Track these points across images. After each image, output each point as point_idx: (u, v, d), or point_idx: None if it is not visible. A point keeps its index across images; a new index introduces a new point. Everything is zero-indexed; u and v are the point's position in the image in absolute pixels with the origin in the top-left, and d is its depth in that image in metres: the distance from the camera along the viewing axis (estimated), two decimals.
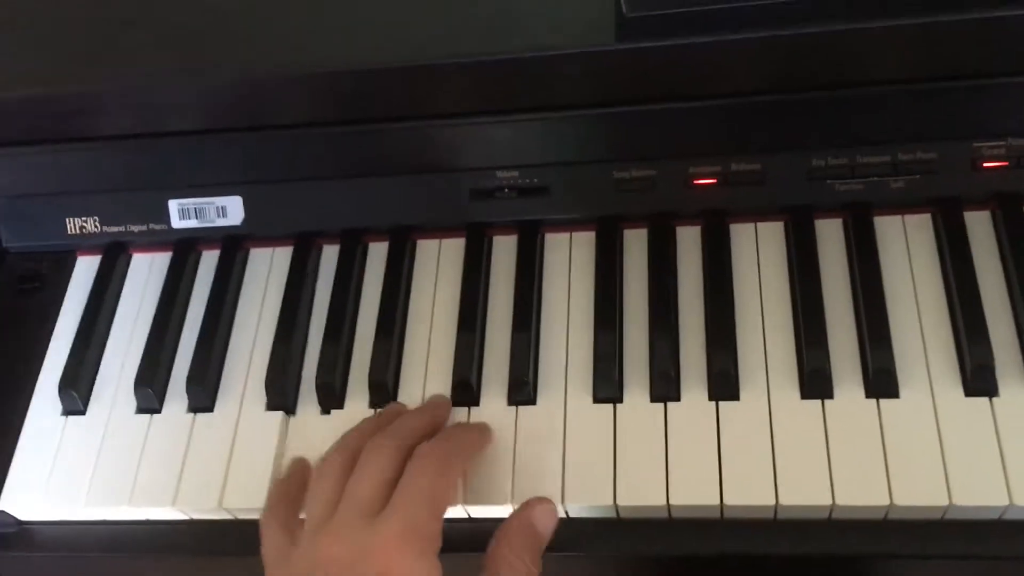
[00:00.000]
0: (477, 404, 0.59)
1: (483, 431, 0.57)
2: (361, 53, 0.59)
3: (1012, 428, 0.52)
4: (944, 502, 0.51)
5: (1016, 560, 0.53)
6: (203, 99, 0.63)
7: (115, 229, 0.69)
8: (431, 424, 0.56)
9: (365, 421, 0.57)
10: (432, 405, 0.59)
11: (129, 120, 0.65)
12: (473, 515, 0.57)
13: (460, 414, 0.59)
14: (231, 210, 0.67)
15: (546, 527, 0.53)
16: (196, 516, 0.60)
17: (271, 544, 0.53)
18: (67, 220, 0.69)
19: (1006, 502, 0.50)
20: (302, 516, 0.54)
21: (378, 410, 0.60)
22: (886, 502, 0.51)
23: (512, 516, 0.53)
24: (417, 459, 0.52)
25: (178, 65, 0.61)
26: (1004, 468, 0.51)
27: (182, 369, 0.63)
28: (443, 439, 0.54)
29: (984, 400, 0.54)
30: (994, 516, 0.52)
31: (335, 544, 0.49)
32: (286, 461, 0.59)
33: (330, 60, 0.59)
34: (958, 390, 0.54)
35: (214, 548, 0.60)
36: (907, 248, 0.60)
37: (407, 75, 0.59)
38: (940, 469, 0.52)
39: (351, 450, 0.53)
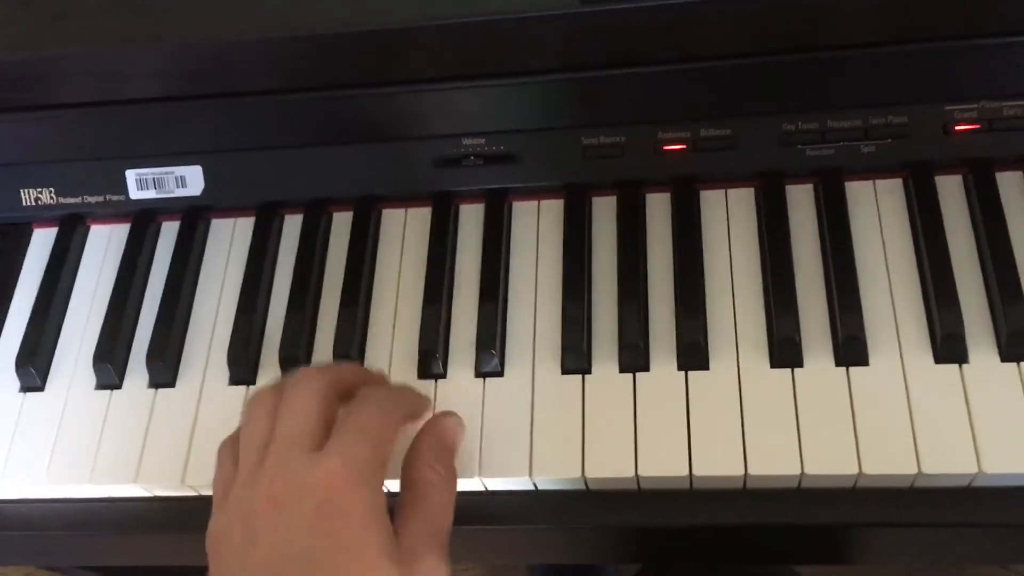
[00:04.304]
0: (444, 376, 0.58)
1: (423, 397, 0.56)
2: (324, 17, 0.57)
3: (981, 395, 0.52)
4: (913, 470, 0.51)
5: (985, 527, 0.53)
6: (160, 65, 0.61)
7: (72, 200, 0.67)
8: (352, 368, 0.55)
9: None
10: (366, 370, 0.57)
11: (85, 87, 0.63)
12: None
13: (427, 387, 0.58)
14: (191, 180, 0.65)
15: (456, 439, 0.53)
16: (159, 493, 0.59)
17: (219, 477, 0.51)
18: (22, 191, 0.67)
19: (975, 470, 0.50)
20: None
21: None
22: (855, 471, 0.51)
23: (421, 435, 0.52)
24: (360, 401, 0.50)
25: (135, 30, 0.59)
26: (973, 435, 0.51)
27: (142, 344, 0.62)
28: (387, 389, 0.52)
29: (954, 367, 0.53)
30: (963, 484, 0.52)
31: (276, 481, 0.46)
32: None
33: (292, 24, 0.57)
34: (928, 357, 0.54)
35: (178, 525, 0.59)
36: (878, 213, 0.59)
37: (370, 40, 0.57)
38: (909, 437, 0.51)
39: (277, 388, 0.51)
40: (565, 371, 0.57)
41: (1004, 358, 0.53)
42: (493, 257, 0.61)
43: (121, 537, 0.61)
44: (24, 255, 0.68)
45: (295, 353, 0.60)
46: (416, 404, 0.55)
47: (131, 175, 0.66)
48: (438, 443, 0.52)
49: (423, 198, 0.64)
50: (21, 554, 0.67)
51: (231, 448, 0.52)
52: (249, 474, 0.48)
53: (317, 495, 0.45)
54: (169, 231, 0.67)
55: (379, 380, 0.56)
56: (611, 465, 0.53)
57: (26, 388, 0.63)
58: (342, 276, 0.62)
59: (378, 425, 0.49)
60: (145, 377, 0.61)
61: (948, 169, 0.59)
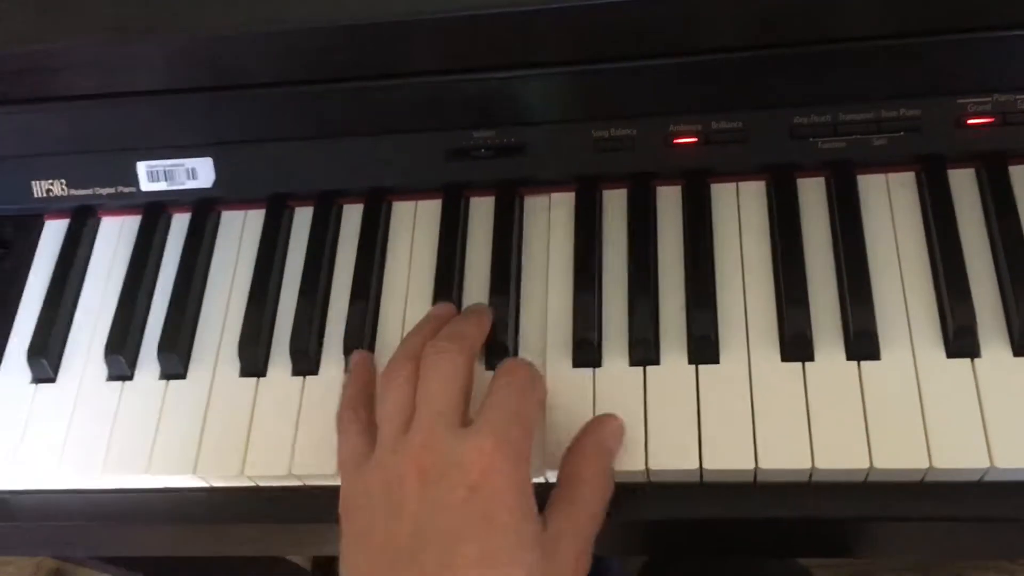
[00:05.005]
0: None
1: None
2: (334, 9, 0.57)
3: (993, 390, 0.52)
4: (924, 465, 0.50)
5: (995, 522, 0.53)
6: (171, 57, 0.61)
7: (83, 192, 0.67)
8: (481, 329, 0.56)
9: (422, 323, 0.56)
10: (476, 312, 0.58)
11: (95, 79, 0.63)
12: None
13: None
14: (201, 172, 0.65)
15: (616, 444, 0.53)
16: (170, 484, 0.60)
17: (349, 447, 0.52)
18: (33, 183, 0.67)
19: (987, 464, 0.50)
20: None
21: (431, 311, 0.58)
22: (866, 465, 0.51)
23: (587, 432, 0.53)
24: (504, 375, 0.51)
25: (145, 22, 0.59)
26: (985, 430, 0.51)
27: (153, 335, 0.62)
28: (525, 369, 0.53)
29: (966, 361, 0.53)
30: (974, 479, 0.52)
31: (425, 454, 0.47)
32: (258, 423, 0.58)
33: (302, 16, 0.57)
34: (940, 351, 0.54)
35: (189, 516, 0.60)
36: (890, 207, 0.59)
37: (380, 32, 0.57)
38: (921, 432, 0.51)
39: (414, 355, 0.52)
40: (576, 365, 0.57)
41: (1017, 352, 0.53)
42: (504, 250, 0.61)
43: (133, 527, 0.61)
44: (35, 247, 0.68)
45: (305, 346, 0.60)
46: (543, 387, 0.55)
47: (142, 167, 0.66)
48: (599, 444, 0.52)
49: (433, 190, 0.64)
50: (33, 544, 0.67)
51: (352, 417, 0.53)
52: (392, 441, 0.49)
53: (471, 474, 0.46)
54: (180, 223, 0.67)
55: (489, 322, 0.57)
56: (621, 459, 0.53)
57: (38, 379, 0.63)
58: (352, 268, 0.62)
59: (527, 409, 0.50)
60: (156, 368, 0.62)
61: (961, 162, 0.59)
